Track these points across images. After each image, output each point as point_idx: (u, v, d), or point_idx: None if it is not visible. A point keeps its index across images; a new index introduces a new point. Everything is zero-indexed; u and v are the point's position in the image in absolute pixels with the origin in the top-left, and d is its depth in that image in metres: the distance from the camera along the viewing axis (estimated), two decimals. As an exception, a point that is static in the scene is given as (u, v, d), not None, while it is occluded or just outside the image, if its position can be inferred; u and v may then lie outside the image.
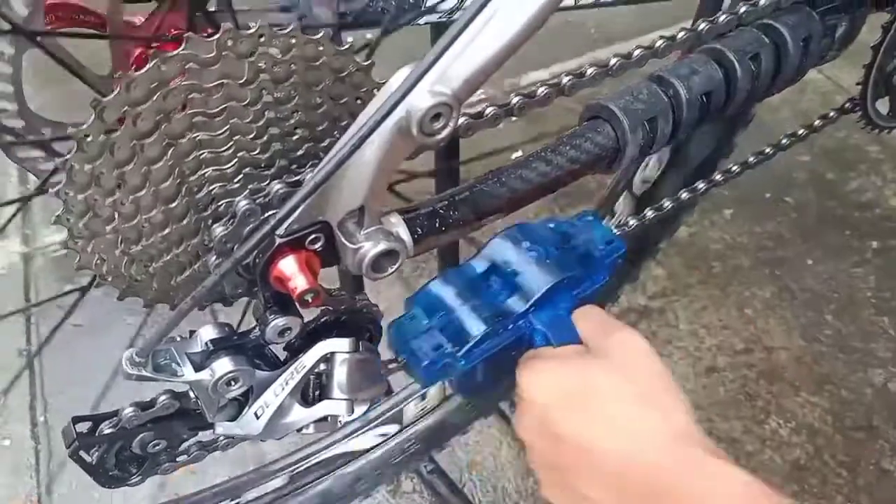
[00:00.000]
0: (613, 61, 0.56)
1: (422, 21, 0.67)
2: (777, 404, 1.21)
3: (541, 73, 1.79)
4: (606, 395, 0.49)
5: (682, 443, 0.46)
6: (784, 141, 0.82)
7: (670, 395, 0.49)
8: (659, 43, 0.58)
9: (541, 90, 0.54)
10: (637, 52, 0.57)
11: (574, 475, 0.48)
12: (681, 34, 0.59)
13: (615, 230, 0.64)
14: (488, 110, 0.52)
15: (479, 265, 0.57)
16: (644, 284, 1.36)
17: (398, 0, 0.67)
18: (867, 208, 1.49)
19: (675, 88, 0.59)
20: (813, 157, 1.57)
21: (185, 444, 0.58)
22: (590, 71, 0.56)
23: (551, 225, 0.59)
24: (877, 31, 0.74)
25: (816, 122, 0.82)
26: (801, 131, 0.82)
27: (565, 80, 0.55)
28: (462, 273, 0.57)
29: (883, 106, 0.82)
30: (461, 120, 0.51)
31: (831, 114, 0.81)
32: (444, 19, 0.69)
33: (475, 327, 0.54)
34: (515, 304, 0.55)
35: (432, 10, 0.68)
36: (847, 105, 0.80)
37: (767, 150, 0.81)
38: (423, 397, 0.91)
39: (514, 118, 0.53)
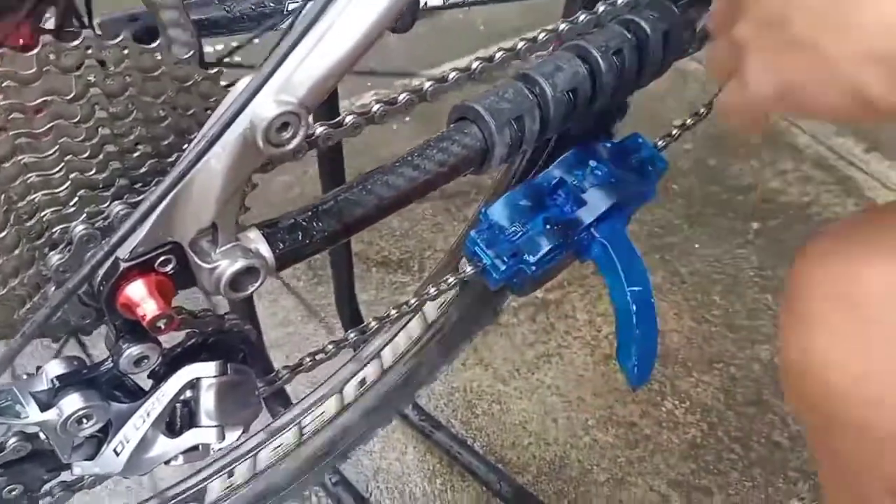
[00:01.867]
0: (475, 65, 0.56)
1: (284, 25, 0.65)
2: (671, 386, 1.25)
3: (432, 72, 1.78)
4: None
5: None
6: (675, 132, 0.83)
7: None
8: (521, 45, 0.58)
9: (402, 96, 0.52)
10: (499, 55, 0.57)
11: (807, 20, 0.42)
12: (541, 35, 0.58)
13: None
14: (348, 118, 0.50)
15: (550, 179, 0.67)
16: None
17: (257, 4, 0.64)
18: (748, 191, 1.56)
19: (541, 86, 0.59)
20: (696, 144, 1.63)
21: (46, 486, 0.54)
22: (452, 75, 0.55)
23: (608, 145, 0.69)
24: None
25: (702, 111, 0.83)
26: (688, 121, 0.84)
27: (426, 85, 0.54)
28: (533, 187, 0.67)
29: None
30: (320, 129, 0.49)
31: (702, 110, 0.83)
32: (309, 22, 0.67)
33: (547, 238, 0.64)
34: (581, 216, 0.66)
35: (294, 13, 0.65)
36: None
37: (659, 142, 0.81)
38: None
39: (376, 123, 0.52)
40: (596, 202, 0.67)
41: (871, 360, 0.45)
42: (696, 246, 1.46)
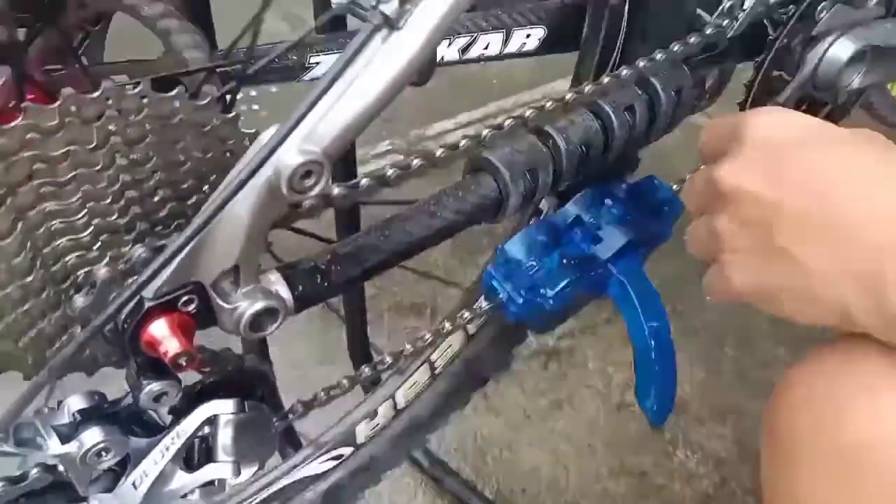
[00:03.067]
0: (485, 133, 0.58)
1: (305, 78, 0.68)
2: (684, 437, 1.24)
3: (446, 123, 1.82)
4: (851, 143, 0.44)
5: None
6: (689, 177, 0.85)
7: None
8: (529, 114, 0.60)
9: (414, 162, 0.54)
10: (508, 123, 0.59)
11: (789, 230, 0.42)
12: (548, 104, 0.61)
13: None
14: (363, 181, 0.52)
15: (567, 217, 0.69)
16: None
17: (280, 57, 0.67)
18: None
19: (554, 140, 0.61)
20: (708, 195, 1.64)
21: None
22: (463, 143, 0.57)
23: (624, 185, 0.71)
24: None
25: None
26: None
27: (439, 152, 0.56)
28: (550, 223, 0.69)
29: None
30: (337, 190, 0.51)
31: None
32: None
33: (563, 273, 0.66)
34: (598, 252, 0.67)
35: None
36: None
37: (675, 186, 0.82)
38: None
39: (391, 186, 0.54)
40: (612, 239, 0.69)
41: None
42: (708, 298, 1.46)
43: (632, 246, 0.69)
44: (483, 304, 0.69)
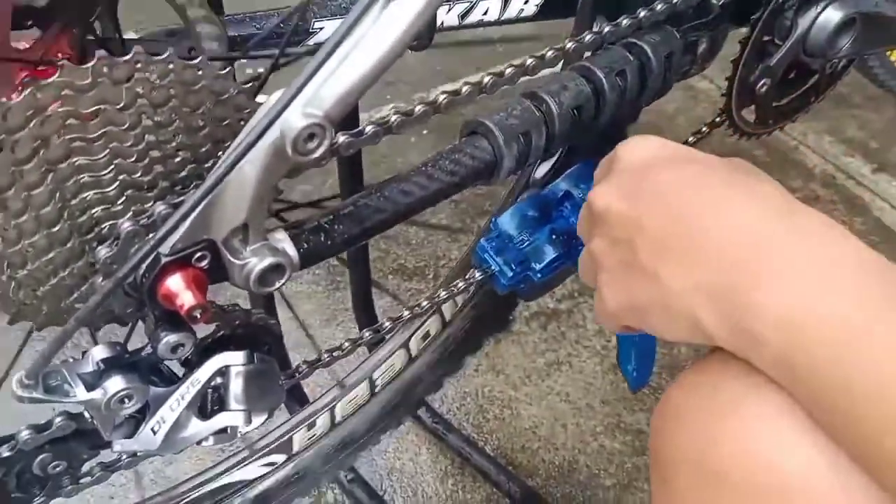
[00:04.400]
0: (487, 80, 0.60)
1: (310, 42, 0.70)
2: (679, 396, 1.28)
3: (449, 87, 1.84)
4: (715, 169, 0.46)
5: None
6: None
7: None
8: (530, 62, 0.62)
9: (418, 108, 0.57)
10: (509, 71, 0.61)
11: (649, 247, 0.44)
12: (549, 53, 0.63)
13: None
14: (368, 128, 0.55)
15: (557, 192, 0.72)
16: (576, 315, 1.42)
17: (285, 23, 0.69)
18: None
19: (547, 104, 0.64)
20: (707, 160, 1.66)
21: (86, 465, 0.59)
22: (465, 89, 0.59)
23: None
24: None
25: (703, 129, 0.87)
26: (691, 139, 0.88)
27: (441, 97, 0.58)
28: (541, 198, 0.72)
29: (749, 114, 0.88)
30: (342, 138, 0.54)
31: (703, 129, 0.87)
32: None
33: (552, 247, 0.69)
34: None
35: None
36: (717, 119, 0.87)
37: None
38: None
39: (394, 133, 0.56)
40: None
41: None
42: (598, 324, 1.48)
43: None
44: (476, 275, 0.72)
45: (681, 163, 0.48)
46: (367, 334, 0.71)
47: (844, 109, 1.82)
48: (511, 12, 0.82)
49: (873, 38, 0.85)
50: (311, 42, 0.71)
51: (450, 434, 1.20)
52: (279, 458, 0.85)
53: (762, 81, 0.83)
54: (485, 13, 0.79)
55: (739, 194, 0.44)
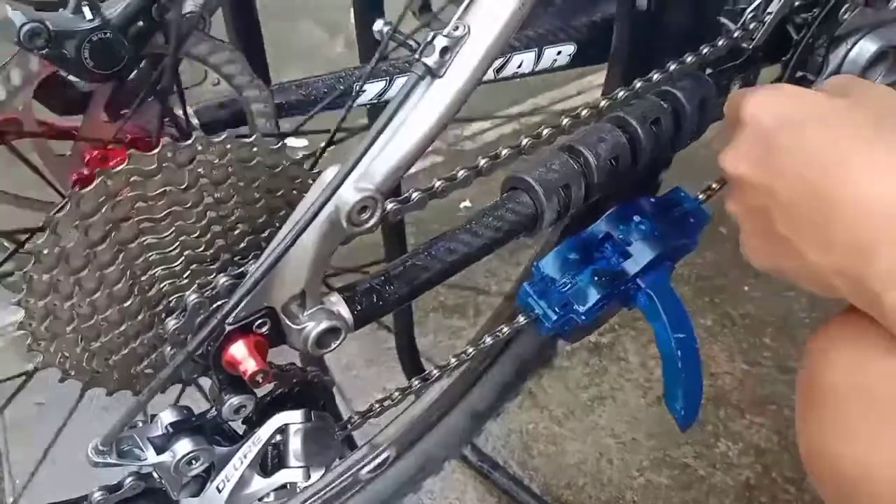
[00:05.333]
0: (525, 142, 0.62)
1: (354, 104, 0.73)
2: (725, 427, 1.27)
3: (484, 124, 1.87)
4: (844, 120, 0.45)
5: None
6: (714, 185, 0.88)
7: None
8: (565, 122, 0.64)
9: (460, 173, 0.59)
10: (546, 132, 0.63)
11: (785, 218, 0.46)
12: (584, 112, 0.65)
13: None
14: (414, 195, 0.57)
15: (598, 234, 0.73)
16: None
17: (330, 88, 0.72)
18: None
19: (585, 157, 0.66)
20: (743, 187, 1.67)
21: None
22: (504, 153, 0.61)
23: (651, 200, 0.75)
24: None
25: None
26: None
27: (482, 162, 0.60)
28: (581, 241, 0.73)
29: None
30: (390, 206, 0.56)
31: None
32: (376, 101, 0.75)
33: (595, 289, 0.70)
34: (627, 268, 0.71)
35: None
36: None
37: (700, 195, 0.85)
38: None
39: (438, 197, 0.58)
40: (640, 254, 0.73)
41: (879, 456, 0.46)
42: (746, 289, 1.49)
43: (659, 259, 0.73)
44: (520, 319, 0.73)
45: (814, 121, 0.46)
46: (416, 383, 0.73)
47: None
48: (545, 63, 0.84)
49: (905, 70, 0.85)
50: (356, 104, 0.73)
51: (495, 472, 1.21)
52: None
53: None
54: (519, 66, 0.82)
55: (879, 157, 0.42)
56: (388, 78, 0.75)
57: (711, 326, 1.42)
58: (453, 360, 0.75)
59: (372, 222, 0.49)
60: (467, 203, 1.57)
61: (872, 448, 0.46)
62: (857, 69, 0.80)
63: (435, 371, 0.74)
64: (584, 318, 0.71)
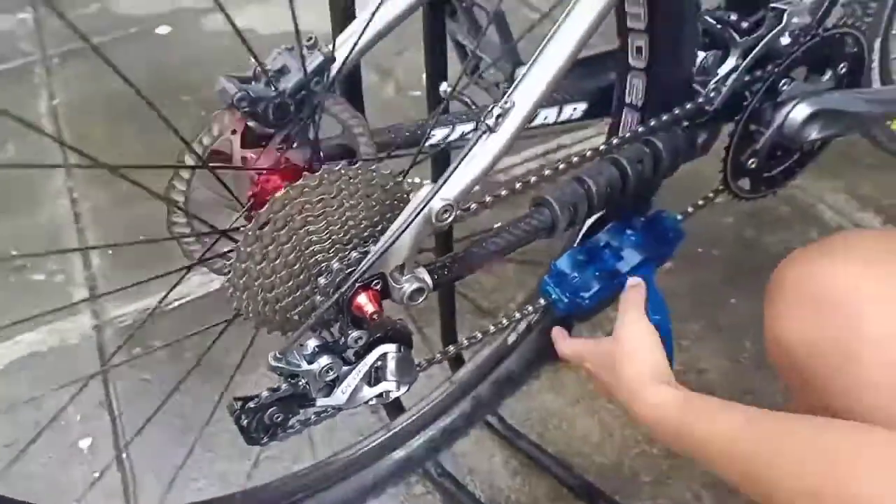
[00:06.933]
0: (547, 172, 0.92)
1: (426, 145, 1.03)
2: (708, 412, 1.54)
3: (513, 159, 2.18)
4: (618, 366, 0.90)
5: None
6: (690, 209, 1.17)
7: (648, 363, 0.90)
8: (576, 159, 0.94)
9: (503, 192, 0.89)
10: (562, 167, 0.93)
11: (608, 388, 0.93)
12: (589, 153, 0.95)
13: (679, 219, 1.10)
14: (472, 206, 0.87)
15: (599, 242, 1.04)
16: (601, 323, 1.70)
17: (412, 134, 1.03)
18: (778, 257, 1.85)
19: (588, 184, 0.95)
20: (735, 218, 1.94)
21: (292, 420, 0.91)
22: (533, 179, 0.91)
23: (641, 219, 1.05)
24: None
25: (710, 194, 1.17)
26: (700, 202, 1.18)
27: (517, 185, 0.90)
28: (588, 247, 1.04)
29: (745, 184, 1.17)
30: (460, 211, 0.86)
31: (710, 194, 1.17)
32: (442, 144, 1.05)
33: (596, 282, 1.00)
34: (620, 267, 1.01)
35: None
36: (719, 188, 1.16)
37: (678, 216, 1.14)
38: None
39: (487, 209, 0.88)
40: (631, 258, 1.03)
41: (822, 338, 0.75)
42: (733, 301, 1.76)
43: (645, 262, 1.03)
44: (541, 301, 1.03)
45: (609, 370, 0.96)
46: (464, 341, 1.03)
47: (860, 170, 2.08)
48: (564, 116, 1.14)
49: (836, 126, 1.14)
50: (427, 144, 1.04)
51: (519, 440, 1.49)
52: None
53: (751, 161, 1.12)
54: (545, 119, 1.12)
55: (647, 397, 0.89)
56: (451, 125, 1.05)
57: (699, 331, 1.69)
58: (492, 326, 1.04)
59: (449, 220, 0.79)
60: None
61: (818, 334, 0.76)
62: (796, 125, 1.09)
63: (465, 341, 1.04)
64: (587, 302, 1.01)
